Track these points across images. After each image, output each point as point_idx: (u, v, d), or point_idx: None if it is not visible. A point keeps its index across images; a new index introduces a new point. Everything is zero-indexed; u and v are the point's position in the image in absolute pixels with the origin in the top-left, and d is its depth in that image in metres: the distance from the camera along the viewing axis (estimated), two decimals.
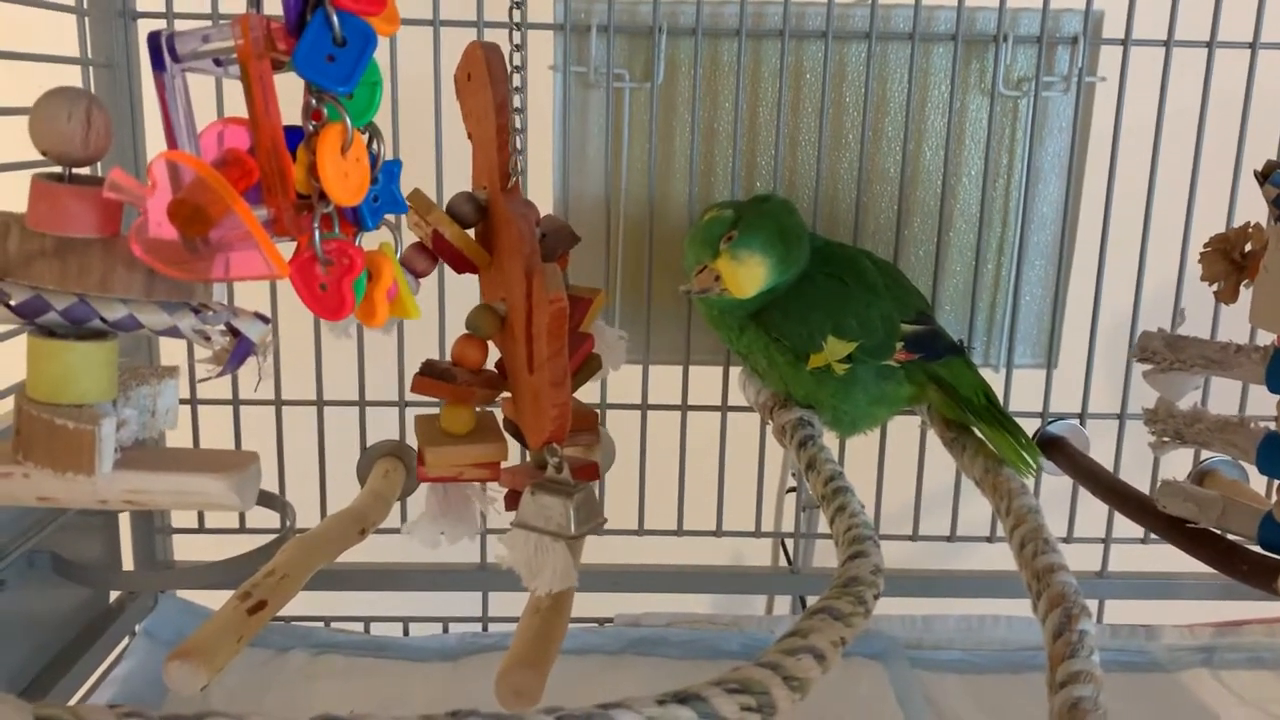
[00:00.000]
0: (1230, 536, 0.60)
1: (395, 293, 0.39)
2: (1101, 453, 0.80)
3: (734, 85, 0.76)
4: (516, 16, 0.55)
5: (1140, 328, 0.74)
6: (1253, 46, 0.76)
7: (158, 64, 0.36)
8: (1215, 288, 0.63)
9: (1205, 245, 0.63)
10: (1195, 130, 0.77)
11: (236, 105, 0.40)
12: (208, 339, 0.38)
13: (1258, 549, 0.58)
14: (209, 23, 0.71)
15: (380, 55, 0.66)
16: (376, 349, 0.78)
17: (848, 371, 0.65)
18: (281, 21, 0.35)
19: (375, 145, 0.38)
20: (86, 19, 0.73)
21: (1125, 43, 0.76)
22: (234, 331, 0.38)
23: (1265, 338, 0.73)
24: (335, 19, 0.35)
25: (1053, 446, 0.81)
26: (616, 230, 0.79)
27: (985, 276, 0.80)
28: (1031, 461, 0.64)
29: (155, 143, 0.72)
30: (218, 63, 0.37)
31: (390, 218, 0.41)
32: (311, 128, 0.36)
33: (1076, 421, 0.81)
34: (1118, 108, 0.76)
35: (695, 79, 0.76)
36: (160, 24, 0.74)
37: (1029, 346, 0.82)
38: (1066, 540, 0.83)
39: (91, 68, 0.73)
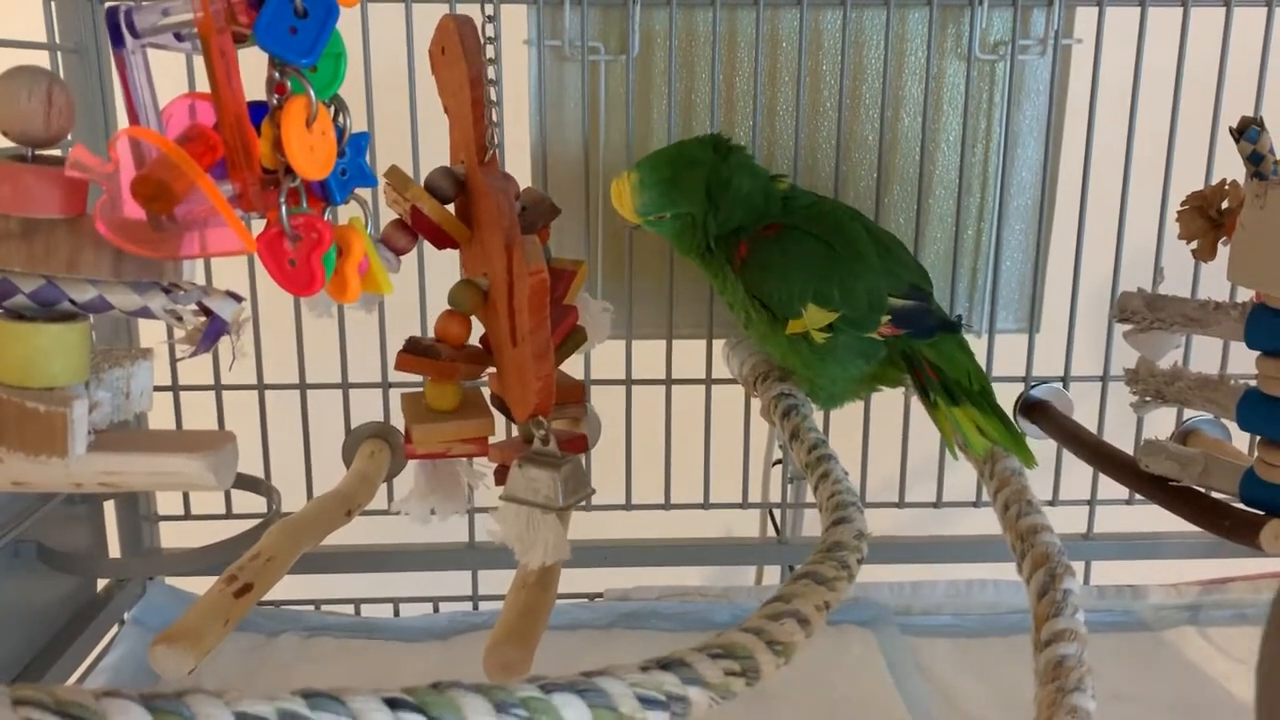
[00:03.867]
0: (1213, 494, 0.60)
1: (366, 267, 0.38)
2: (1086, 416, 0.80)
3: (710, 56, 0.76)
4: None
5: (1121, 290, 0.74)
6: (1227, 4, 0.76)
7: (117, 40, 0.35)
8: (1193, 246, 0.63)
9: (1182, 203, 0.63)
10: (1172, 90, 0.76)
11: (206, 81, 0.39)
12: (180, 319, 0.37)
13: (1240, 505, 0.58)
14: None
15: (353, 32, 0.66)
16: (358, 331, 0.77)
17: (827, 341, 0.64)
18: None
19: (341, 118, 0.38)
20: (53, 3, 0.71)
21: (1100, 3, 0.76)
22: (206, 311, 0.38)
23: (1244, 296, 0.73)
24: None
25: (1037, 410, 0.81)
26: (596, 205, 0.78)
27: (966, 242, 0.80)
28: (1028, 458, 0.63)
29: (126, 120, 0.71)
30: (179, 37, 0.36)
31: (361, 192, 0.40)
32: (275, 101, 0.35)
33: (1060, 385, 0.81)
34: (1094, 69, 0.76)
35: (671, 50, 0.75)
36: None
37: (1011, 311, 0.82)
38: (1052, 503, 0.84)
39: (60, 53, 0.72)
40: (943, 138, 0.78)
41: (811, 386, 0.68)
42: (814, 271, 0.63)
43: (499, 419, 0.52)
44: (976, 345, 0.80)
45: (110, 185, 0.34)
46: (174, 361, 0.77)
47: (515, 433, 0.52)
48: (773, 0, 0.75)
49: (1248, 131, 0.59)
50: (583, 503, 0.52)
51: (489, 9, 0.53)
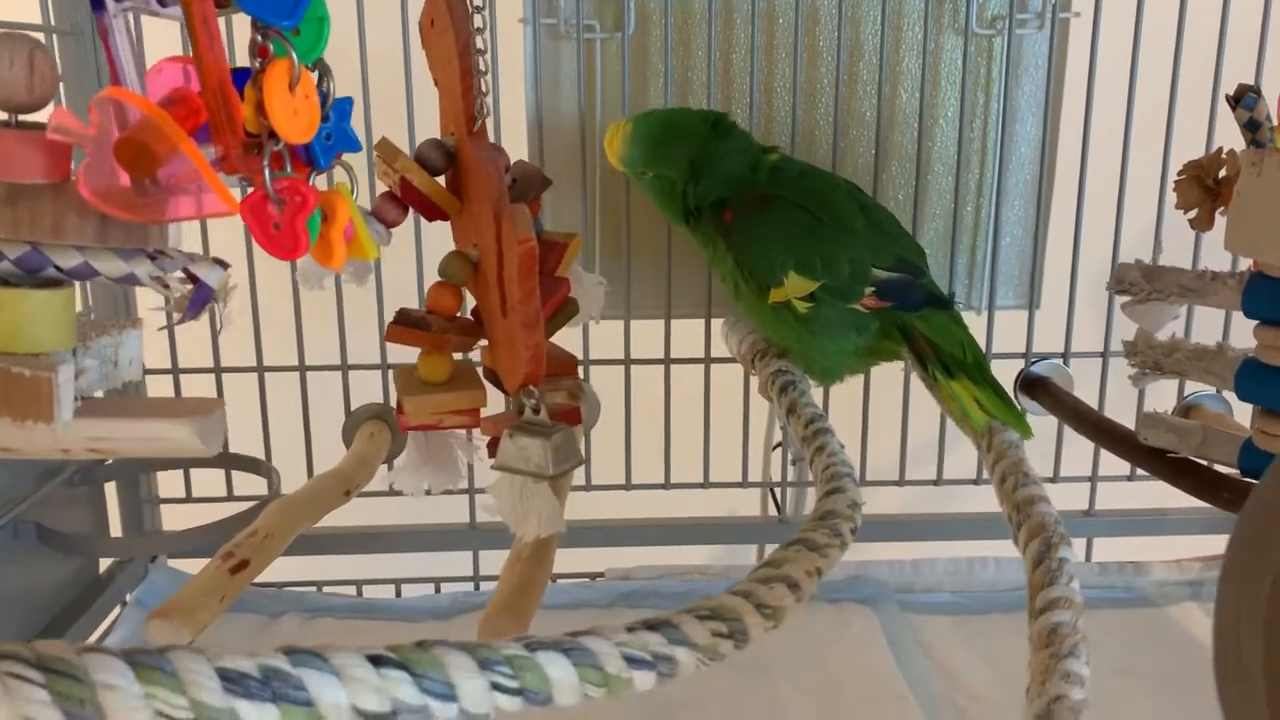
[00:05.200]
0: (1214, 467, 0.60)
1: (352, 233, 0.38)
2: (1087, 392, 0.79)
3: (706, 33, 0.75)
4: None
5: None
6: None
7: (98, 5, 0.35)
8: (1191, 215, 0.62)
9: (1180, 172, 0.63)
10: (1171, 63, 0.76)
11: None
12: (166, 286, 0.37)
13: (1241, 477, 0.57)
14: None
15: (348, 8, 0.65)
16: (357, 313, 0.77)
17: (811, 311, 0.63)
18: None
19: (325, 83, 0.37)
20: None
21: None
22: (193, 278, 0.38)
23: (1244, 265, 0.73)
24: None
25: (1037, 386, 0.80)
26: (593, 184, 0.78)
27: (965, 219, 0.79)
28: (1025, 431, 0.62)
29: None
30: (162, 3, 0.36)
31: (347, 158, 0.40)
32: (258, 64, 0.35)
33: (1060, 361, 0.81)
34: (1092, 43, 0.75)
35: (667, 28, 0.75)
36: None
37: (1011, 288, 0.81)
38: (1053, 480, 0.83)
39: (55, 35, 0.72)
40: (941, 114, 0.78)
41: (805, 361, 0.68)
42: (796, 240, 0.62)
43: (494, 395, 0.52)
44: (976, 322, 0.80)
45: (93, 148, 0.34)
46: (173, 344, 0.77)
47: (510, 407, 0.52)
48: None
49: (1244, 99, 0.59)
50: (574, 471, 0.52)
51: None
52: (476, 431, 0.53)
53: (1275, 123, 0.59)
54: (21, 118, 0.36)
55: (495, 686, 0.32)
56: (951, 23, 0.77)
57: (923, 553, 0.86)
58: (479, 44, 0.49)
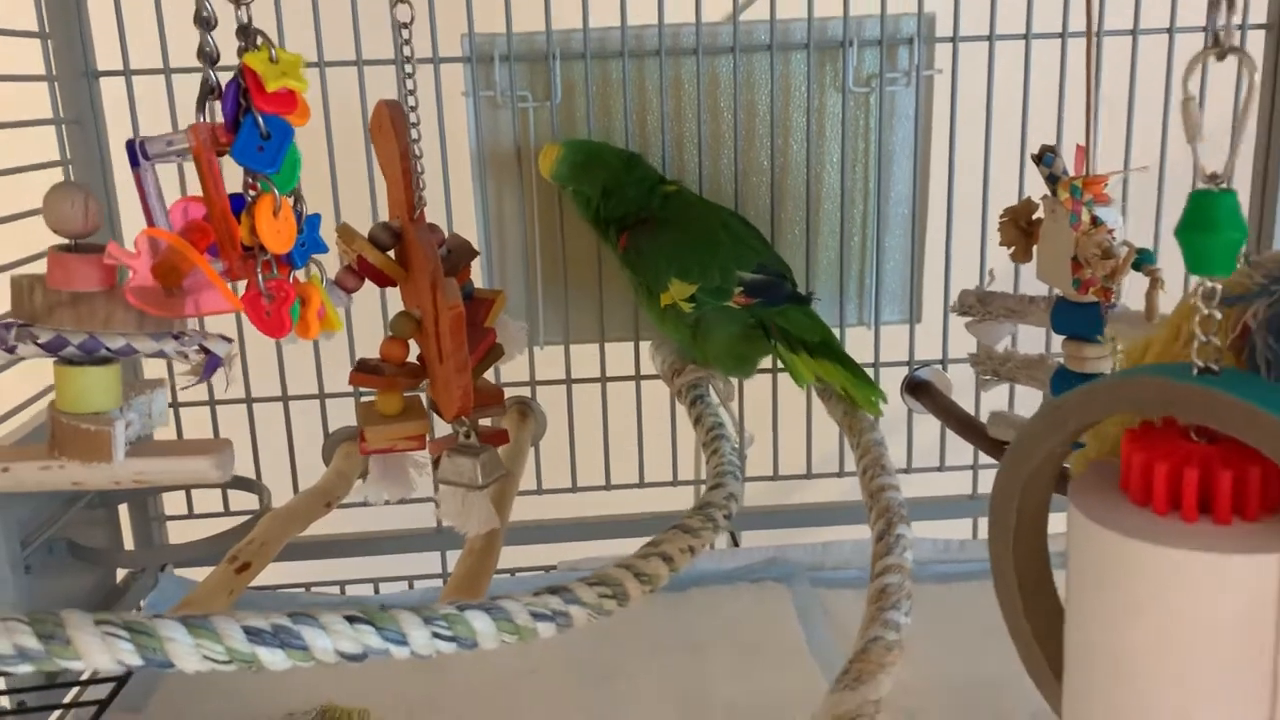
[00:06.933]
0: None
1: (323, 313, 0.53)
2: (965, 393, 0.95)
3: (622, 99, 0.91)
4: (407, 51, 0.70)
5: (990, 284, 0.89)
6: (1061, 36, 0.91)
7: (134, 161, 0.51)
8: (1010, 251, 0.78)
9: (1001, 215, 0.79)
10: (1020, 111, 0.92)
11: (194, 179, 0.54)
12: (186, 357, 0.53)
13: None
14: (169, 129, 0.85)
15: (312, 91, 0.80)
16: (331, 350, 0.92)
17: (694, 310, 0.79)
18: (222, 123, 0.50)
19: (299, 206, 0.53)
20: (57, 84, 0.87)
21: (954, 40, 0.91)
22: (205, 350, 0.53)
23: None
24: (261, 120, 0.49)
25: (919, 389, 0.96)
26: (532, 230, 0.93)
27: (852, 248, 0.95)
28: (871, 396, 0.77)
29: (121, 176, 0.87)
30: (179, 156, 0.51)
31: (315, 256, 0.56)
32: (250, 197, 0.50)
33: (939, 366, 0.97)
34: (952, 96, 0.91)
35: (588, 96, 0.91)
36: (120, 80, 0.88)
37: (894, 305, 0.97)
38: (940, 469, 0.99)
39: (64, 125, 0.87)
40: (827, 160, 0.94)
41: (710, 358, 0.83)
42: (675, 253, 0.80)
43: (436, 420, 0.67)
44: (866, 335, 0.96)
45: (138, 269, 0.49)
46: (173, 384, 0.92)
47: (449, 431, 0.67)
48: (674, 50, 0.90)
49: (1044, 157, 0.75)
50: (517, 478, 0.68)
51: (414, 70, 0.69)
52: (425, 451, 0.68)
53: (1072, 174, 0.74)
54: (79, 242, 0.51)
55: (435, 635, 0.48)
56: (832, 82, 0.92)
57: (833, 535, 1.02)
58: (416, 151, 0.64)
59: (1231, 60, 0.28)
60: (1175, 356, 0.36)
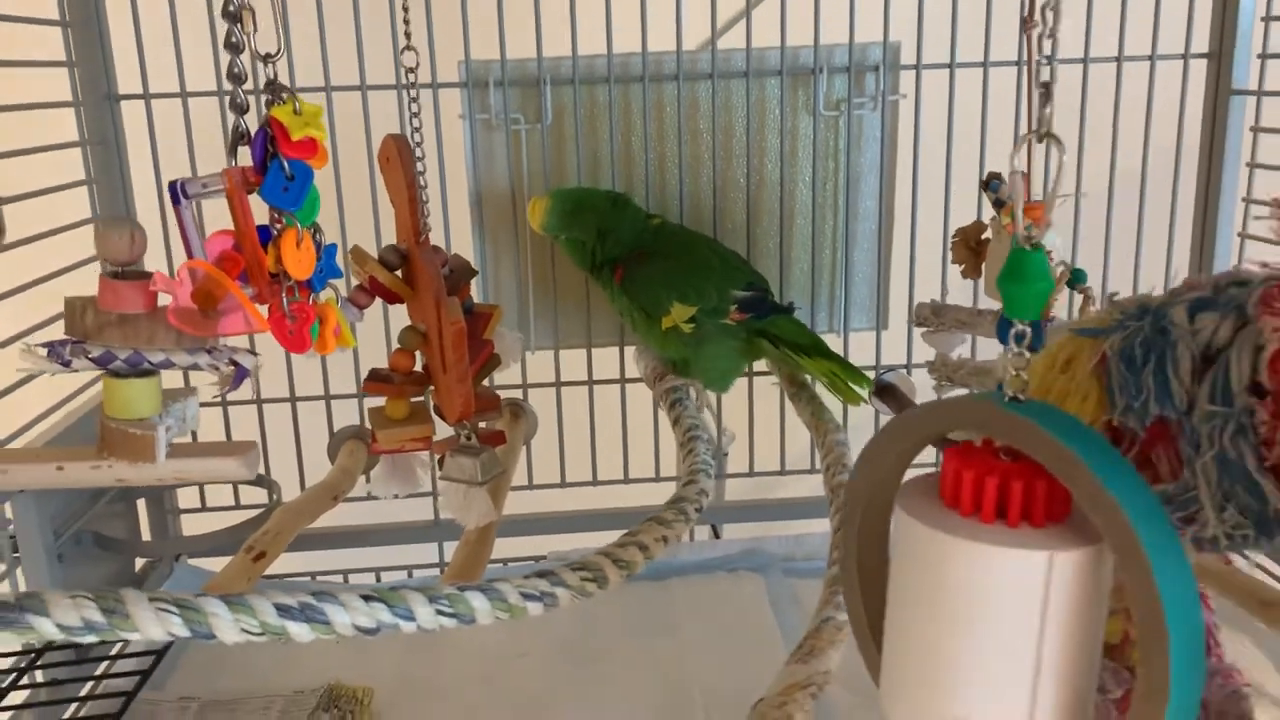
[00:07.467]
0: None
1: (339, 331, 0.61)
2: (928, 395, 1.03)
3: (609, 122, 0.98)
4: (410, 78, 0.78)
5: (950, 296, 0.97)
6: (1018, 64, 0.98)
7: (176, 200, 0.58)
8: (961, 268, 0.86)
9: (953, 236, 0.87)
10: (979, 133, 0.99)
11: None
12: (218, 369, 0.60)
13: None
14: (184, 149, 0.93)
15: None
16: (336, 354, 0.99)
17: (695, 330, 0.87)
18: (251, 166, 0.57)
19: (318, 237, 0.60)
20: (83, 108, 0.94)
21: (918, 68, 0.99)
22: (234, 364, 0.61)
23: None
24: (286, 164, 0.57)
25: (886, 391, 1.04)
26: (525, 245, 1.01)
27: (823, 260, 1.03)
28: (859, 389, 0.85)
29: (141, 193, 0.94)
30: (214, 195, 0.58)
31: (332, 281, 0.63)
32: (275, 230, 0.58)
33: (904, 370, 1.05)
34: (916, 119, 0.99)
35: (577, 118, 0.98)
36: (140, 104, 0.95)
37: (862, 313, 1.05)
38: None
39: (89, 146, 0.94)
40: (799, 179, 1.01)
41: (699, 371, 0.91)
42: (673, 280, 0.87)
43: (440, 423, 0.75)
44: (835, 341, 1.04)
45: (179, 294, 0.57)
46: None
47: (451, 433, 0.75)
48: (656, 76, 0.98)
49: (991, 183, 0.83)
50: (510, 475, 0.75)
51: (418, 95, 0.76)
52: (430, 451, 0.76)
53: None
54: (126, 269, 0.59)
55: (439, 612, 0.55)
56: (804, 106, 1.00)
57: (804, 529, 1.10)
58: (421, 182, 0.72)
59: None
60: (1051, 382, 0.44)
